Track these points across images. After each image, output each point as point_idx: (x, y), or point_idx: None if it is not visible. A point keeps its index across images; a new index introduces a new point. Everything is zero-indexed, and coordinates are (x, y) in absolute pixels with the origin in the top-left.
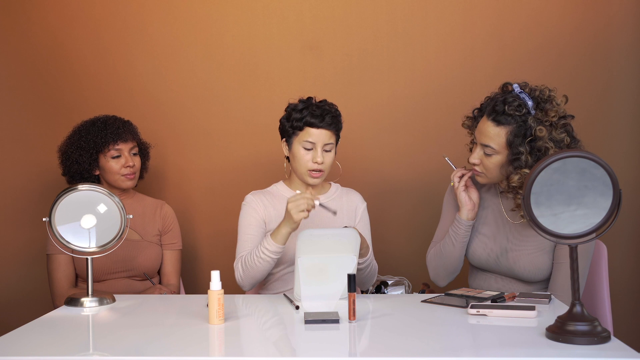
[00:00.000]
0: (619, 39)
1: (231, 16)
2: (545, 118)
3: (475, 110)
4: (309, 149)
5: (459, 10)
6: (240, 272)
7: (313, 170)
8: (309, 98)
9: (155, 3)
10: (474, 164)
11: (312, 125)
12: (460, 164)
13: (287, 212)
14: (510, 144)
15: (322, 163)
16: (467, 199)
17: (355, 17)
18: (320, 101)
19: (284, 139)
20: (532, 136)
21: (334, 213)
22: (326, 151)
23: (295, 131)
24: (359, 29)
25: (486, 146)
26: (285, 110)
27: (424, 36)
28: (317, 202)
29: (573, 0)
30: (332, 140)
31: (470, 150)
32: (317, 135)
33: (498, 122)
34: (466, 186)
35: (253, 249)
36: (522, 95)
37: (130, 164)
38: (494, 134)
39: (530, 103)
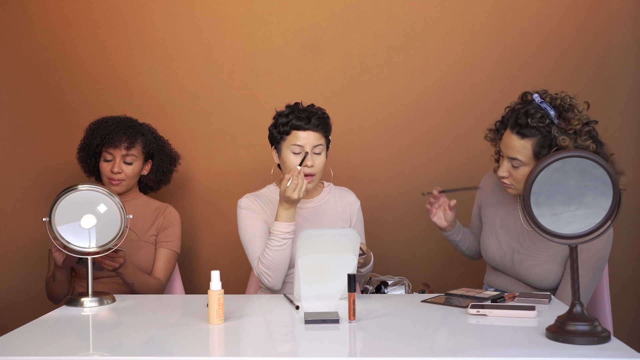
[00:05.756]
0: (619, 39)
1: (231, 16)
2: (568, 127)
3: (498, 123)
4: (297, 153)
5: (459, 10)
6: (264, 272)
7: (304, 175)
8: (296, 103)
9: (155, 3)
10: (503, 177)
11: (298, 128)
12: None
13: (286, 197)
14: (536, 155)
15: (312, 166)
16: (439, 221)
17: (355, 17)
18: (308, 105)
19: (273, 146)
20: (557, 146)
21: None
22: (316, 154)
23: (282, 136)
24: (359, 29)
25: (513, 159)
26: (273, 118)
27: (424, 36)
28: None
29: (573, 0)
30: (321, 142)
31: (496, 161)
32: (305, 138)
33: (522, 135)
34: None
35: (266, 247)
36: (544, 106)
37: (116, 169)
38: (520, 147)
39: (552, 113)
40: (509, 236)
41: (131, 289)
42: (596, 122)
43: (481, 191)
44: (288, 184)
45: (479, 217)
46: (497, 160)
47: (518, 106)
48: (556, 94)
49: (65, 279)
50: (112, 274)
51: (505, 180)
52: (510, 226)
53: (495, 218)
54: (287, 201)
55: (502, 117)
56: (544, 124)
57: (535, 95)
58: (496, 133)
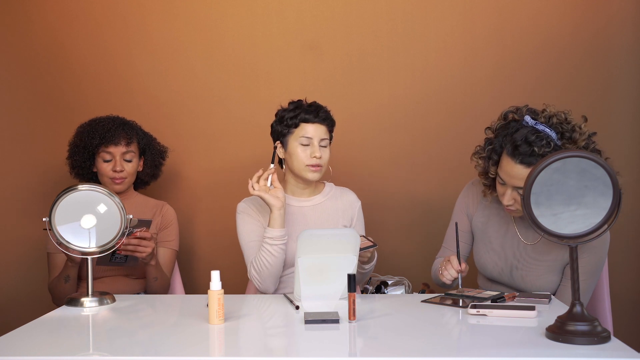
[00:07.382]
0: (618, 39)
1: (231, 16)
2: (575, 147)
3: (488, 150)
4: (305, 145)
5: (459, 10)
6: (256, 277)
7: (312, 165)
8: (299, 100)
9: (155, 3)
10: (508, 206)
11: (307, 120)
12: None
13: (264, 201)
14: None
15: (320, 158)
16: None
17: (355, 17)
18: (311, 102)
19: (277, 142)
20: None
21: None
22: (322, 146)
23: (290, 129)
24: (359, 29)
25: (520, 187)
26: (276, 115)
27: (424, 36)
28: (271, 166)
29: (573, 0)
30: (327, 137)
31: (486, 185)
32: (314, 130)
33: (529, 164)
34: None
35: (258, 251)
36: (541, 128)
37: (118, 168)
38: (527, 175)
39: (553, 135)
40: (504, 253)
41: (151, 287)
42: (595, 133)
43: (467, 201)
44: (269, 184)
45: (469, 226)
46: (487, 185)
47: (508, 130)
48: (544, 110)
49: (76, 277)
50: (113, 273)
51: (510, 207)
52: (505, 243)
53: (488, 234)
54: (267, 204)
55: (490, 141)
56: (550, 148)
57: (527, 117)
58: (487, 160)
